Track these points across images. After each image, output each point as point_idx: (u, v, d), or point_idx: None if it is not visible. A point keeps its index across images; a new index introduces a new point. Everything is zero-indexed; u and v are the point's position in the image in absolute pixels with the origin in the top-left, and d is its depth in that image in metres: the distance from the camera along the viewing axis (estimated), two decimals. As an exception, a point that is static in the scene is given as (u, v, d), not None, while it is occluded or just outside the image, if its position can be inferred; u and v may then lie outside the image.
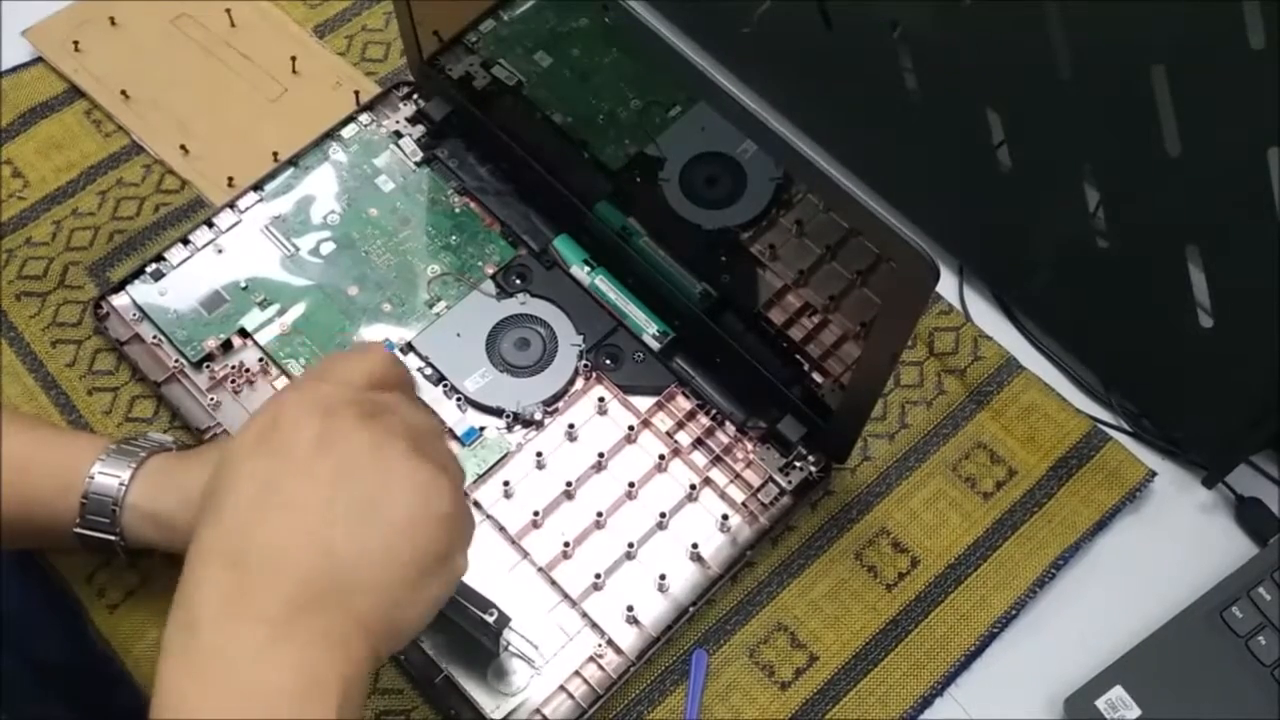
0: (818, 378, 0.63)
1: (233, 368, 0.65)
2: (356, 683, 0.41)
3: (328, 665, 0.40)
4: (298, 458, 0.43)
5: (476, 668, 0.58)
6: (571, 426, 0.64)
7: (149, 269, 0.67)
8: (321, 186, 0.70)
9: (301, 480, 0.43)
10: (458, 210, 0.70)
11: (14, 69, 0.75)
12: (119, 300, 0.67)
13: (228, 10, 0.77)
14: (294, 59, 0.76)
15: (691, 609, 0.60)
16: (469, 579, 0.52)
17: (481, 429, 0.64)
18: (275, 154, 0.72)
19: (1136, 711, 0.58)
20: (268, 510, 0.42)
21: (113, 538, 0.54)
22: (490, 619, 0.55)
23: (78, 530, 0.54)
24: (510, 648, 0.58)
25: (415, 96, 0.73)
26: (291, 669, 0.40)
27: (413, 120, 0.72)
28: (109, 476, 0.54)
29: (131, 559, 0.56)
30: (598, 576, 0.60)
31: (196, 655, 0.40)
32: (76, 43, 0.76)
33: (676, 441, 0.64)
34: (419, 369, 0.65)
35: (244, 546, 0.42)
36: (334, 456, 0.43)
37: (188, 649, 0.41)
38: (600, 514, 0.62)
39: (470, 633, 0.56)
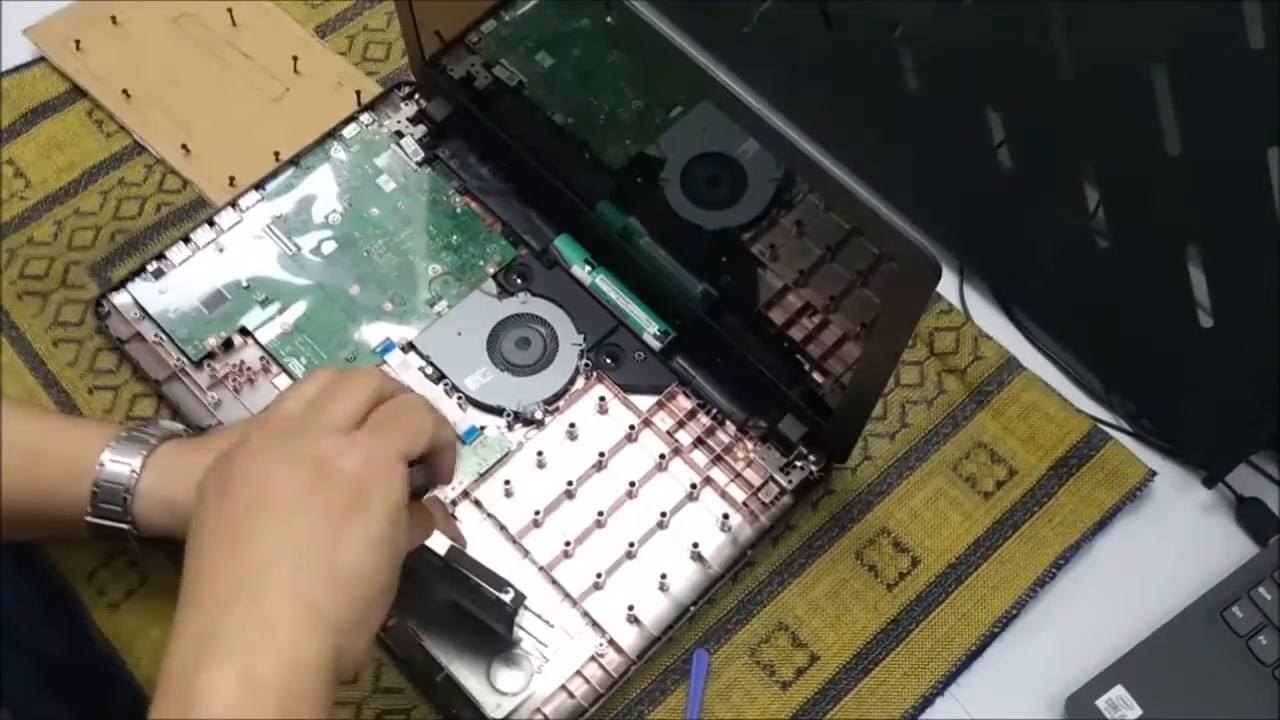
0: (818, 377, 0.63)
1: (234, 366, 0.65)
2: (294, 665, 0.41)
3: (258, 661, 0.41)
4: (205, 504, 0.45)
5: (478, 667, 0.58)
6: (572, 425, 0.64)
7: (150, 268, 0.67)
8: (323, 186, 0.70)
9: (211, 514, 0.45)
10: (459, 210, 0.70)
11: (15, 69, 0.75)
12: (120, 299, 0.67)
13: (229, 9, 0.77)
14: (295, 58, 0.76)
15: (692, 608, 0.60)
16: (482, 559, 0.53)
17: (482, 428, 0.64)
18: (277, 153, 0.72)
19: (1137, 711, 0.58)
20: (193, 551, 0.44)
21: (125, 526, 0.54)
22: (507, 598, 0.54)
23: (89, 519, 0.54)
24: (524, 631, 0.57)
25: (417, 96, 0.73)
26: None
27: (414, 120, 0.72)
28: (120, 464, 0.54)
29: (143, 547, 0.56)
30: (598, 576, 0.60)
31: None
32: (78, 42, 0.76)
33: (677, 441, 0.64)
34: (420, 368, 0.65)
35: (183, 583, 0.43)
36: (229, 485, 0.45)
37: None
38: (601, 513, 0.62)
39: (483, 619, 0.56)
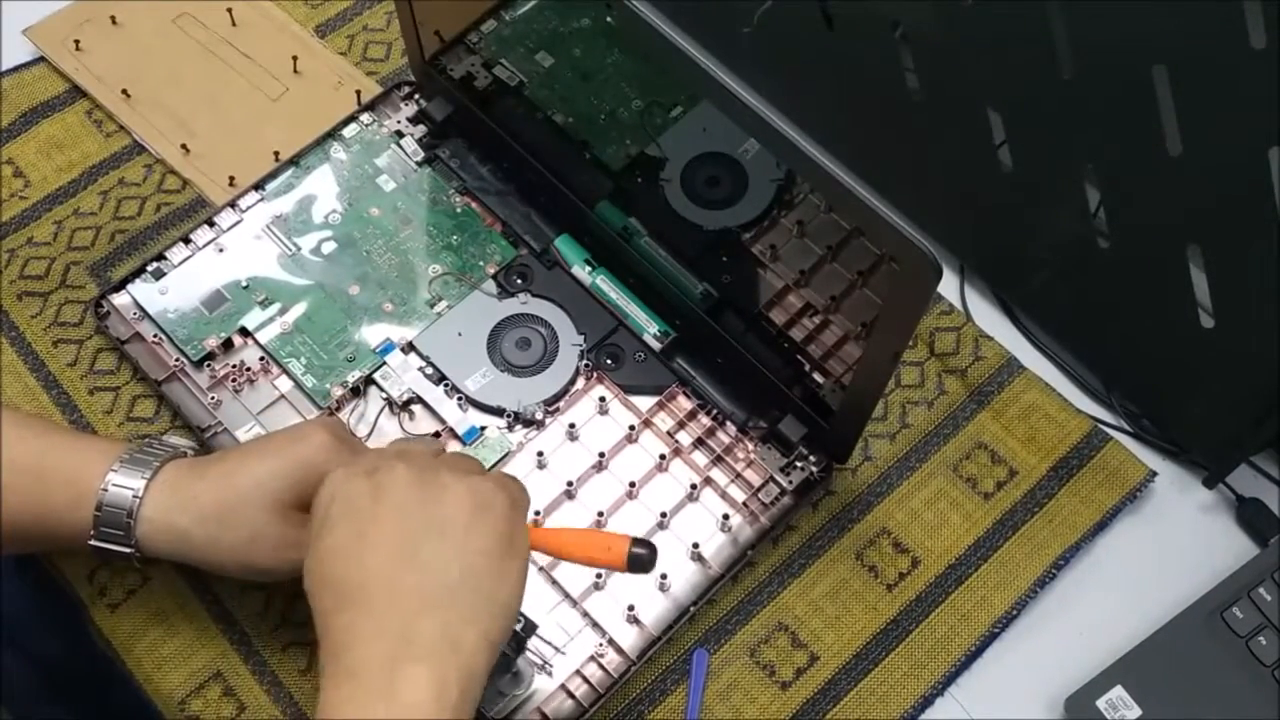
0: (819, 378, 0.63)
1: (233, 366, 0.65)
2: (470, 673, 0.47)
3: (448, 665, 0.46)
4: (362, 513, 0.49)
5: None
6: (572, 426, 0.64)
7: (150, 268, 0.67)
8: (323, 186, 0.70)
9: (375, 525, 0.49)
10: (459, 210, 0.70)
11: (15, 69, 0.75)
12: (120, 299, 0.67)
13: (229, 9, 0.77)
14: (295, 58, 0.76)
15: (692, 609, 0.60)
16: None
17: (482, 428, 0.64)
18: (276, 153, 0.72)
19: (1137, 711, 0.58)
20: (360, 556, 0.49)
21: (128, 550, 0.54)
22: (517, 626, 0.55)
23: (93, 544, 0.54)
24: (528, 653, 0.58)
25: (417, 96, 0.73)
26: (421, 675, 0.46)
27: (414, 120, 0.72)
28: (122, 489, 0.53)
29: (146, 568, 0.56)
30: (598, 576, 0.60)
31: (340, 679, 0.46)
32: (78, 42, 0.76)
33: (677, 441, 0.64)
34: (420, 368, 0.65)
35: (344, 584, 0.48)
36: (388, 501, 0.49)
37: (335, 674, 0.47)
38: (601, 514, 0.62)
39: None
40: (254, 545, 0.53)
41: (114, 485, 0.53)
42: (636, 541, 0.52)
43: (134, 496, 0.53)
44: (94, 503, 0.53)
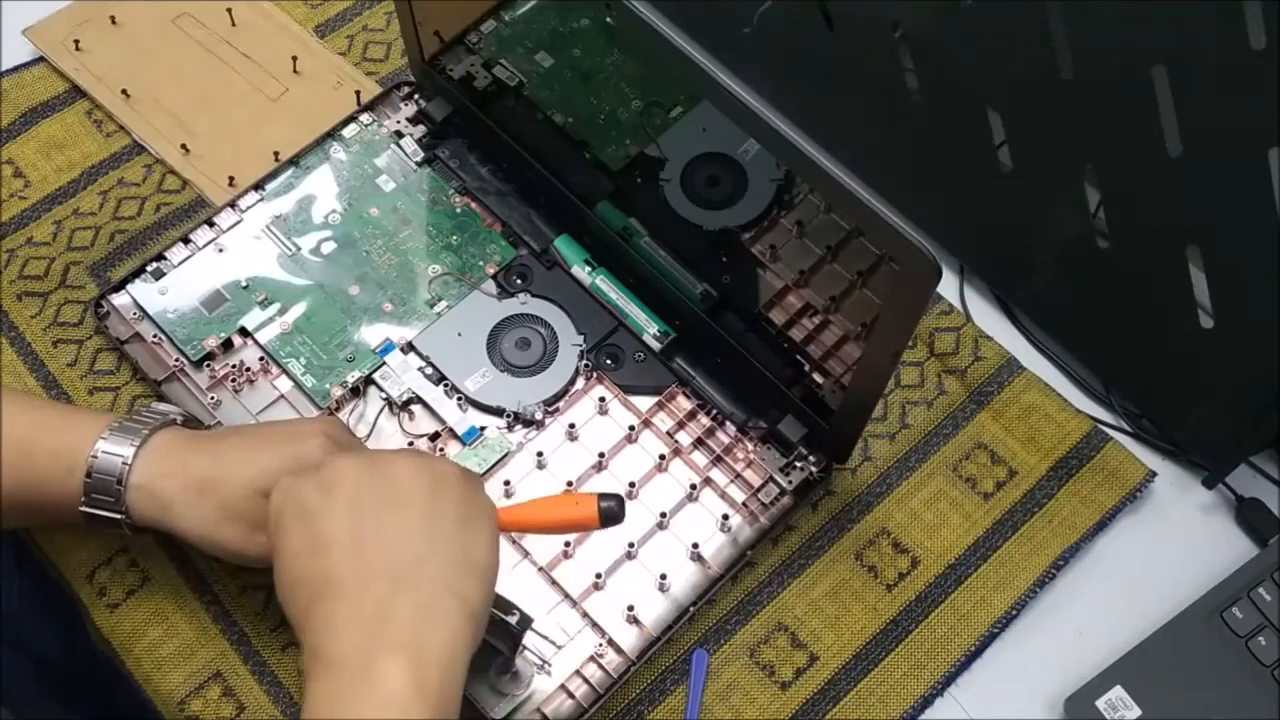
0: (818, 378, 0.63)
1: (233, 366, 0.65)
2: (450, 657, 0.46)
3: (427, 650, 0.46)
4: (314, 511, 0.49)
5: (478, 668, 0.58)
6: (572, 426, 0.64)
7: (150, 268, 0.67)
8: (322, 186, 0.70)
9: (330, 517, 0.49)
10: (459, 210, 0.70)
11: (15, 69, 0.75)
12: (120, 299, 0.67)
13: (229, 10, 0.77)
14: (295, 59, 0.76)
15: (692, 609, 0.60)
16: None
17: (482, 429, 0.64)
18: (276, 153, 0.72)
19: (1137, 711, 0.58)
20: (322, 550, 0.48)
21: (118, 516, 0.54)
22: (512, 620, 0.55)
23: (83, 509, 0.54)
24: (526, 652, 0.58)
25: (416, 96, 0.73)
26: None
27: (414, 120, 0.72)
28: (112, 456, 0.54)
29: (136, 534, 0.56)
30: (598, 576, 0.60)
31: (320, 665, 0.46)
32: (77, 42, 0.76)
33: (677, 441, 0.64)
34: (419, 368, 0.65)
35: (311, 580, 0.48)
36: (339, 492, 0.49)
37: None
38: (601, 513, 0.62)
39: (486, 639, 0.56)
40: (225, 522, 0.53)
41: (103, 452, 0.54)
42: (604, 496, 0.52)
43: (124, 463, 0.54)
44: (84, 470, 0.54)
